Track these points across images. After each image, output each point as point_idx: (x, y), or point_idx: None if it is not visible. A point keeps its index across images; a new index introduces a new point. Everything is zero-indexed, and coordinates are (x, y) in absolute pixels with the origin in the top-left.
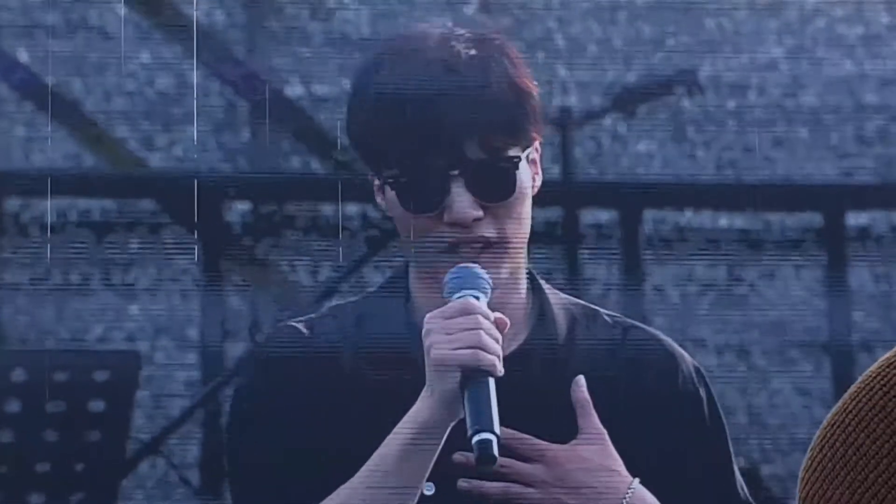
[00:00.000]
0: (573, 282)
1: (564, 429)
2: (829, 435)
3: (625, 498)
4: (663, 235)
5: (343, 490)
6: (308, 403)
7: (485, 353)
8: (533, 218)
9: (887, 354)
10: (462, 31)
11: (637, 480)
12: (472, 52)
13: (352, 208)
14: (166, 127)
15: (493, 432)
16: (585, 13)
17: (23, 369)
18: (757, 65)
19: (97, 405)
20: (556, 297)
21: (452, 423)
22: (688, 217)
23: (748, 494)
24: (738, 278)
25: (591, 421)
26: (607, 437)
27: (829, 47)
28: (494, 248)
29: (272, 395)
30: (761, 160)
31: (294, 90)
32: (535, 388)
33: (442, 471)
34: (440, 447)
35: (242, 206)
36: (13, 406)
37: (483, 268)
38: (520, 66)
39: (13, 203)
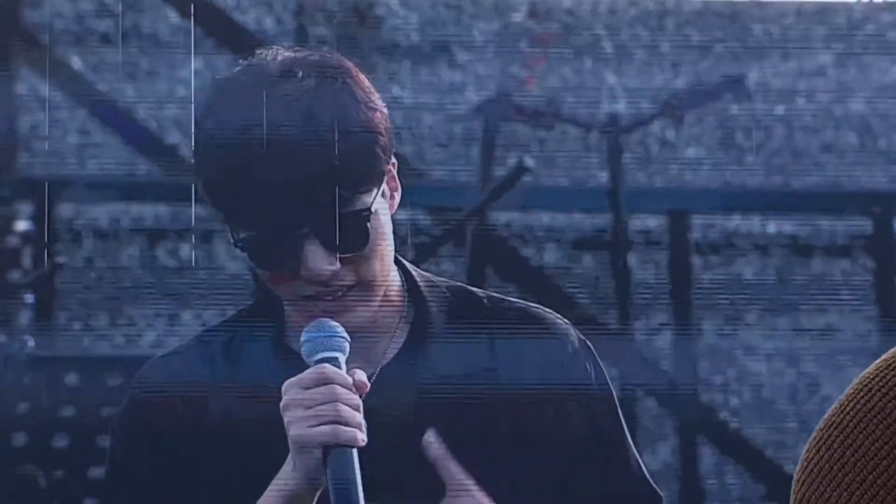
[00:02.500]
0: (621, 287)
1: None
2: (826, 436)
3: None
4: (712, 241)
5: None
6: (181, 445)
7: (344, 428)
8: (581, 224)
9: (885, 356)
10: (305, 67)
11: None
12: (315, 94)
13: (399, 215)
14: None
15: None
16: (633, 20)
17: (77, 374)
18: (805, 71)
19: None
20: (430, 287)
21: (319, 493)
22: (736, 223)
23: (643, 468)
24: (787, 283)
25: (453, 476)
26: (474, 488)
27: (877, 53)
28: (356, 290)
29: (145, 437)
30: (810, 166)
31: None
32: (410, 406)
33: None
34: None
35: None
36: (67, 411)
37: (348, 307)
38: (367, 98)
39: (66, 209)
